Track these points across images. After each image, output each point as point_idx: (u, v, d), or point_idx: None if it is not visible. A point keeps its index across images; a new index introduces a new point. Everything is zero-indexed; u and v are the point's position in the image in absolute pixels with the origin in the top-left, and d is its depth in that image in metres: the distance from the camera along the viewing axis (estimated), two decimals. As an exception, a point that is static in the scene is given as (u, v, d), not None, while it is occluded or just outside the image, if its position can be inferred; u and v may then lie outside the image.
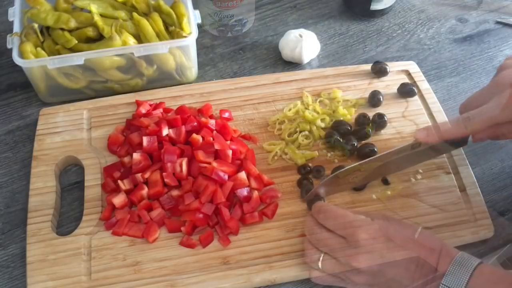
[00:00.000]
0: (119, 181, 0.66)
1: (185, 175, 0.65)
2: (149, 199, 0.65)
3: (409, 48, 0.89)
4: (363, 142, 0.72)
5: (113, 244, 0.62)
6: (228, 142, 0.69)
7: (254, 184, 0.66)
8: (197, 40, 0.76)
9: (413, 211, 0.65)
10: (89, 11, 0.76)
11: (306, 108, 0.75)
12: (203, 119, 0.70)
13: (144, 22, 0.75)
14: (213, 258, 0.61)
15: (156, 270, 0.60)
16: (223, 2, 0.82)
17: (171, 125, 0.69)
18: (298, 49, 0.82)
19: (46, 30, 0.77)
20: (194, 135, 0.67)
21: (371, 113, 0.74)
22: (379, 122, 0.73)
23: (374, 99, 0.76)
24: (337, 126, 0.72)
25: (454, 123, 0.58)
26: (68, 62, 0.71)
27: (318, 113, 0.74)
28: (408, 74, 0.81)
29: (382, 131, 0.74)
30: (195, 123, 0.69)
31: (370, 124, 0.72)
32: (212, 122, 0.70)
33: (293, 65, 0.85)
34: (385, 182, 0.68)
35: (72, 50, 0.75)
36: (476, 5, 0.90)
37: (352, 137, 0.71)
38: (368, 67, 0.81)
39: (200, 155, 0.65)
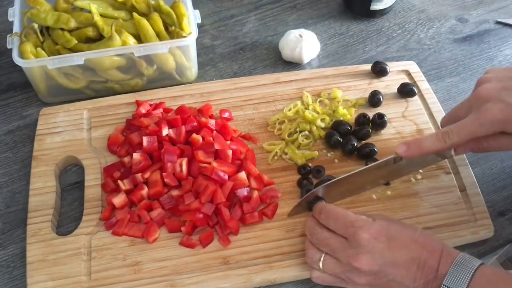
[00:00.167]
0: (119, 181, 0.66)
1: (185, 175, 0.65)
2: (149, 199, 0.65)
3: (409, 48, 0.89)
4: (363, 142, 0.72)
5: (113, 244, 0.62)
6: (228, 142, 0.69)
7: (254, 184, 0.66)
8: (197, 40, 0.76)
9: (413, 211, 0.65)
10: (89, 11, 0.76)
11: (306, 108, 0.75)
12: (203, 119, 0.70)
13: (144, 22, 0.75)
14: (213, 258, 0.61)
15: (156, 270, 0.60)
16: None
17: (171, 125, 0.69)
18: (298, 49, 0.82)
19: (46, 30, 0.77)
20: (194, 135, 0.67)
21: (371, 113, 0.74)
22: (379, 122, 0.73)
23: (374, 99, 0.76)
24: (337, 126, 0.72)
25: (434, 137, 0.58)
26: (68, 62, 0.71)
27: (318, 113, 0.74)
28: (408, 74, 0.81)
29: (382, 131, 0.74)
30: (195, 123, 0.69)
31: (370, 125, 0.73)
32: (212, 122, 0.70)
33: (293, 65, 0.85)
34: (386, 182, 0.68)
35: (72, 50, 0.75)
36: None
37: (352, 137, 0.71)
38: (368, 67, 0.81)
39: (200, 155, 0.65)
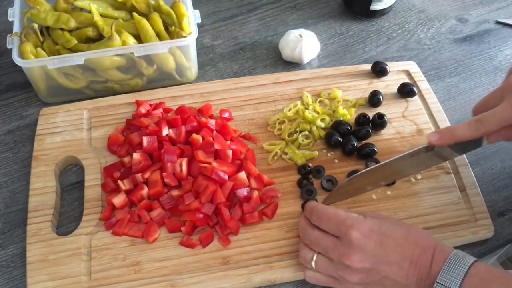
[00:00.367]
0: (119, 181, 0.66)
1: (185, 175, 0.65)
2: (149, 199, 0.65)
3: (409, 48, 0.89)
4: (363, 142, 0.72)
5: (113, 244, 0.62)
6: (228, 142, 0.69)
7: (254, 184, 0.66)
8: (197, 40, 0.76)
9: (413, 211, 0.65)
10: (89, 11, 0.76)
11: (306, 108, 0.75)
12: (203, 119, 0.70)
13: (144, 22, 0.75)
14: (213, 258, 0.61)
15: (156, 270, 0.60)
16: None
17: (171, 125, 0.69)
18: (298, 49, 0.82)
19: (46, 30, 0.77)
20: (194, 135, 0.67)
21: (371, 113, 0.74)
22: (379, 122, 0.73)
23: (374, 99, 0.76)
24: (337, 126, 0.72)
25: (467, 125, 0.58)
26: (68, 62, 0.71)
27: (318, 113, 0.74)
28: (408, 74, 0.81)
29: (382, 131, 0.73)
30: (195, 123, 0.69)
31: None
32: (212, 122, 0.70)
33: (293, 65, 0.85)
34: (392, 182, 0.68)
35: (72, 50, 0.75)
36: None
37: (352, 137, 0.71)
38: (368, 67, 0.81)
39: (200, 155, 0.65)
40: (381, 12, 0.92)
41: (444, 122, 0.74)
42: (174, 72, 0.79)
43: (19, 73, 0.82)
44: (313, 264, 0.57)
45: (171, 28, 0.78)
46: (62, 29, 0.75)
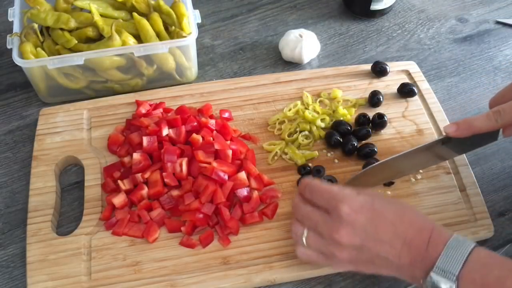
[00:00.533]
0: (119, 181, 0.66)
1: (185, 175, 0.65)
2: (149, 199, 0.65)
3: (409, 48, 0.89)
4: (363, 142, 0.72)
5: (113, 244, 0.62)
6: (228, 142, 0.69)
7: (254, 184, 0.66)
8: (197, 40, 0.76)
9: (413, 211, 0.65)
10: (89, 11, 0.76)
11: (306, 108, 0.75)
12: (203, 119, 0.70)
13: (144, 22, 0.75)
14: (213, 258, 0.61)
15: (156, 270, 0.60)
16: None
17: (171, 125, 0.69)
18: (298, 49, 0.82)
19: (46, 30, 0.77)
20: (194, 135, 0.67)
21: (371, 113, 0.74)
22: (379, 122, 0.73)
23: (374, 99, 0.76)
24: (337, 126, 0.72)
25: (485, 117, 0.58)
26: (68, 62, 0.71)
27: (318, 113, 0.74)
28: (408, 74, 0.81)
29: (382, 131, 0.73)
30: (195, 123, 0.69)
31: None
32: (212, 122, 0.70)
33: (293, 65, 0.85)
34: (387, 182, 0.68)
35: (72, 50, 0.75)
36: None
37: (352, 137, 0.71)
38: (368, 67, 0.81)
39: (200, 155, 0.65)
40: (381, 12, 0.92)
41: (444, 122, 0.74)
42: (174, 72, 0.79)
43: (19, 73, 0.82)
44: (304, 240, 0.56)
45: (171, 28, 0.78)
46: (62, 29, 0.75)
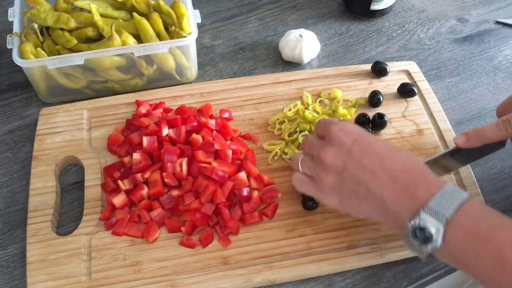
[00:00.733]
0: (119, 181, 0.66)
1: (185, 175, 0.65)
2: (149, 199, 0.65)
3: (409, 48, 0.89)
4: (363, 142, 0.72)
5: (113, 244, 0.62)
6: (228, 142, 0.69)
7: (254, 184, 0.66)
8: (197, 40, 0.76)
9: (413, 211, 0.65)
10: (89, 11, 0.76)
11: (306, 108, 0.75)
12: (203, 119, 0.70)
13: (144, 22, 0.75)
14: (213, 258, 0.61)
15: (156, 270, 0.60)
16: None
17: (171, 125, 0.69)
18: (298, 49, 0.82)
19: (46, 30, 0.77)
20: (194, 135, 0.67)
21: (371, 113, 0.74)
22: (379, 122, 0.73)
23: (374, 99, 0.76)
24: (337, 126, 0.72)
25: (494, 126, 0.58)
26: (68, 62, 0.71)
27: (318, 113, 0.74)
28: (408, 74, 0.81)
29: (382, 131, 0.73)
30: (195, 123, 0.69)
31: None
32: (212, 122, 0.70)
33: (293, 65, 0.85)
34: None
35: (72, 50, 0.75)
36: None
37: (352, 137, 0.71)
38: (368, 67, 0.81)
39: (200, 155, 0.65)
40: (381, 12, 0.92)
41: (444, 122, 0.74)
42: (174, 72, 0.79)
43: (19, 73, 0.82)
44: (299, 164, 0.58)
45: (171, 28, 0.78)
46: (62, 29, 0.75)
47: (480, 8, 0.96)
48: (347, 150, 0.53)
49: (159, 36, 0.77)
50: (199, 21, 0.78)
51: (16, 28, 0.75)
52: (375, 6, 0.90)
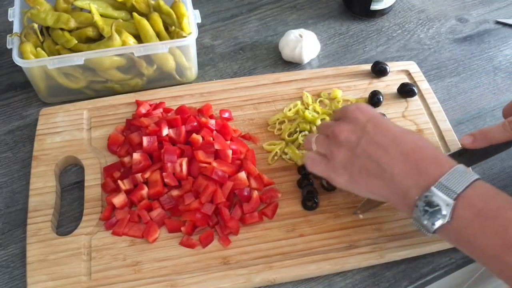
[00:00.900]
0: (119, 181, 0.66)
1: (185, 175, 0.65)
2: (149, 199, 0.65)
3: (409, 48, 0.89)
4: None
5: (113, 244, 0.62)
6: (228, 142, 0.69)
7: (254, 184, 0.66)
8: (197, 40, 0.76)
9: (413, 211, 0.65)
10: (89, 11, 0.76)
11: (306, 108, 0.75)
12: (203, 119, 0.70)
13: (144, 22, 0.75)
14: (213, 258, 0.61)
15: (156, 270, 0.60)
16: None
17: (171, 125, 0.69)
18: (298, 49, 0.82)
19: (46, 30, 0.77)
20: (194, 135, 0.67)
21: (371, 113, 0.74)
22: (379, 122, 0.73)
23: (374, 99, 0.76)
24: (337, 126, 0.72)
25: (501, 127, 0.58)
26: (68, 62, 0.72)
27: (318, 113, 0.74)
28: (408, 74, 0.81)
29: (382, 131, 0.73)
30: (195, 123, 0.69)
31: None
32: (212, 122, 0.70)
33: (293, 65, 0.85)
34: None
35: (72, 50, 0.75)
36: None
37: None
38: (368, 67, 0.81)
39: (200, 155, 0.65)
40: (381, 12, 0.92)
41: (444, 122, 0.74)
42: (174, 72, 0.79)
43: (19, 73, 0.82)
44: (313, 142, 0.60)
45: (171, 28, 0.78)
46: (62, 29, 0.75)
47: (480, 8, 0.96)
48: (362, 127, 0.55)
49: (159, 36, 0.77)
50: (199, 21, 0.78)
51: (16, 28, 0.75)
52: (375, 6, 0.90)
